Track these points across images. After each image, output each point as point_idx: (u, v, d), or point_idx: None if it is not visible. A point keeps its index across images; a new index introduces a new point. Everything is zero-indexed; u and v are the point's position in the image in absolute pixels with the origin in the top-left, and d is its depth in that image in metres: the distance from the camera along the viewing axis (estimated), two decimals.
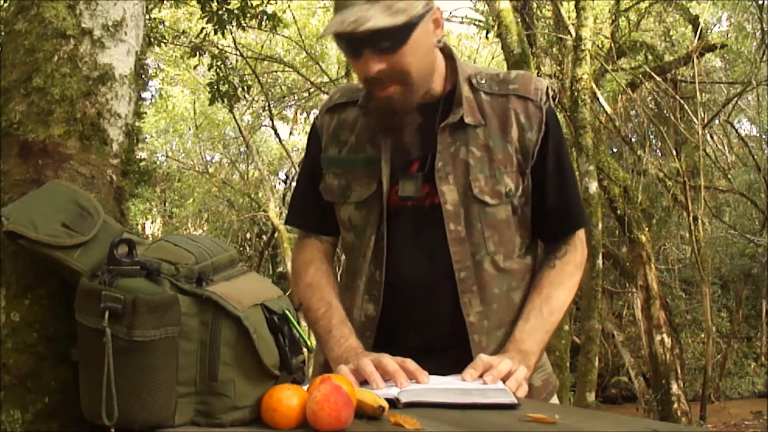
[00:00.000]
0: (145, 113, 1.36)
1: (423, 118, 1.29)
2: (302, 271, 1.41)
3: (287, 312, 0.99)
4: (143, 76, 1.23)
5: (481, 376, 1.15)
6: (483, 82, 1.33)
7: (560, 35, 6.87)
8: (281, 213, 10.97)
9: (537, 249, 1.41)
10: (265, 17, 5.55)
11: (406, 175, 1.31)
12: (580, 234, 1.39)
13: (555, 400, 1.42)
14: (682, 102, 7.57)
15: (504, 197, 1.30)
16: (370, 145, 1.35)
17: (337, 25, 1.17)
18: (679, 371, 5.89)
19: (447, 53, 1.34)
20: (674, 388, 5.76)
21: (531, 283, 1.36)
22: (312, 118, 12.01)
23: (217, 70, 6.14)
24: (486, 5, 6.51)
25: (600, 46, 7.39)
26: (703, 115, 7.54)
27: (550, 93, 1.35)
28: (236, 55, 8.23)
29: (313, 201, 1.43)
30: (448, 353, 1.28)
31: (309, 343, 1.07)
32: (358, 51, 1.21)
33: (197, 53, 6.36)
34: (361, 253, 1.35)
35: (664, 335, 5.88)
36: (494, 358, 1.20)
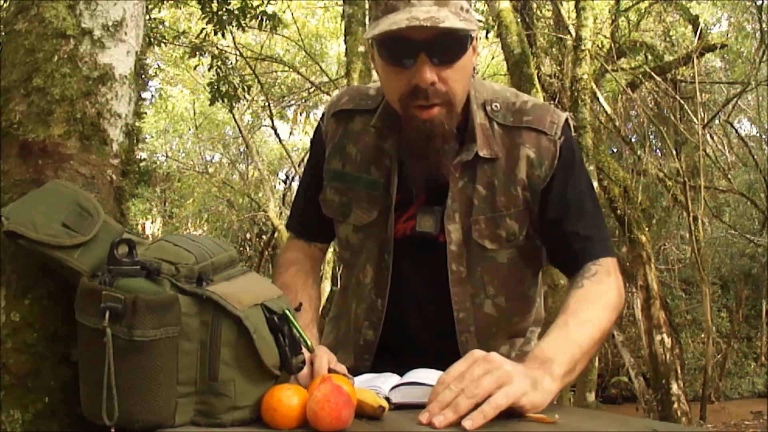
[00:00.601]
0: (145, 113, 1.36)
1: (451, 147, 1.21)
2: (282, 270, 1.41)
3: (287, 312, 0.99)
4: (143, 76, 1.23)
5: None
6: (498, 110, 1.25)
7: (560, 35, 6.87)
8: (281, 213, 10.97)
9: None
10: (265, 17, 5.55)
11: (426, 209, 1.26)
12: (612, 262, 1.24)
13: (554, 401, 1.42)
14: (682, 102, 7.57)
15: (504, 242, 1.25)
16: (375, 167, 1.30)
17: (406, 21, 1.05)
18: (679, 371, 5.88)
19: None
20: (674, 388, 5.75)
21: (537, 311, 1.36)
22: (312, 118, 12.03)
23: (217, 70, 6.15)
24: (486, 5, 6.50)
25: (600, 46, 7.38)
26: (703, 115, 7.54)
27: (571, 124, 1.28)
28: (236, 55, 8.23)
29: (310, 208, 1.41)
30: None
31: (309, 343, 1.07)
32: (412, 55, 1.10)
33: (197, 53, 6.36)
34: (357, 274, 1.35)
35: (664, 335, 5.88)
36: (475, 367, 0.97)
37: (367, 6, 4.69)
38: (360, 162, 1.32)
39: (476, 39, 1.19)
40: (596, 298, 1.16)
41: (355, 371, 1.32)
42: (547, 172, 1.23)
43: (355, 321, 1.37)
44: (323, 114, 1.41)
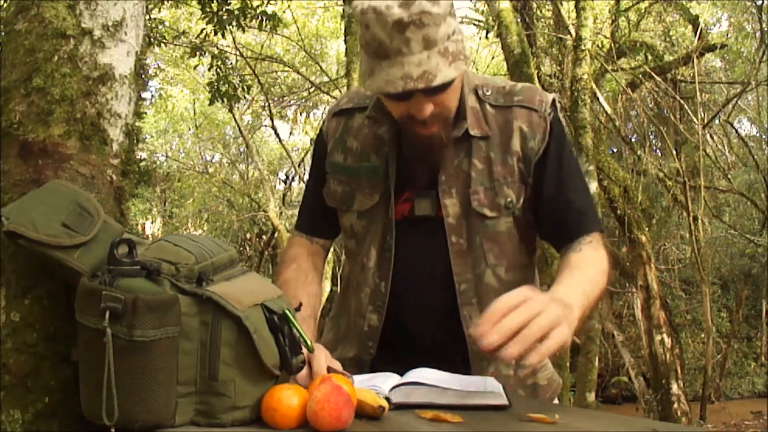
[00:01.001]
0: (145, 113, 1.36)
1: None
2: (284, 266, 1.43)
3: (287, 312, 0.99)
4: (143, 76, 1.23)
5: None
6: (489, 93, 1.32)
7: (560, 35, 6.87)
8: (281, 213, 10.97)
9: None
10: (265, 17, 5.55)
11: (422, 192, 1.31)
12: (601, 236, 1.31)
13: (555, 400, 1.42)
14: (682, 102, 7.57)
15: (503, 209, 1.29)
16: (374, 154, 1.35)
17: (402, 81, 1.12)
18: (679, 371, 5.89)
19: None
20: (674, 388, 5.75)
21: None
22: (312, 118, 12.02)
23: (217, 70, 6.14)
24: (486, 5, 6.50)
25: (600, 46, 7.38)
26: (703, 115, 7.53)
27: (558, 105, 1.34)
28: (236, 55, 8.23)
29: (314, 205, 1.45)
30: (448, 357, 1.30)
31: (309, 343, 1.07)
32: (408, 95, 1.17)
33: (197, 53, 6.36)
34: (361, 261, 1.36)
35: (664, 335, 5.88)
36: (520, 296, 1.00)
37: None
38: (360, 153, 1.36)
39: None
40: (595, 262, 1.25)
41: (358, 361, 1.34)
42: (540, 145, 1.29)
43: (358, 308, 1.37)
44: (325, 117, 1.47)
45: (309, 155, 11.58)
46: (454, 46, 1.16)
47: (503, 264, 1.31)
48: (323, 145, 1.43)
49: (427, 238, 1.31)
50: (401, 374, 1.20)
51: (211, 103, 6.50)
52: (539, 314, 0.96)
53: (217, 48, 6.70)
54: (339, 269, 9.24)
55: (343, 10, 5.18)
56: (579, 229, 1.29)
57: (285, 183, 13.42)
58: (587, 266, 1.23)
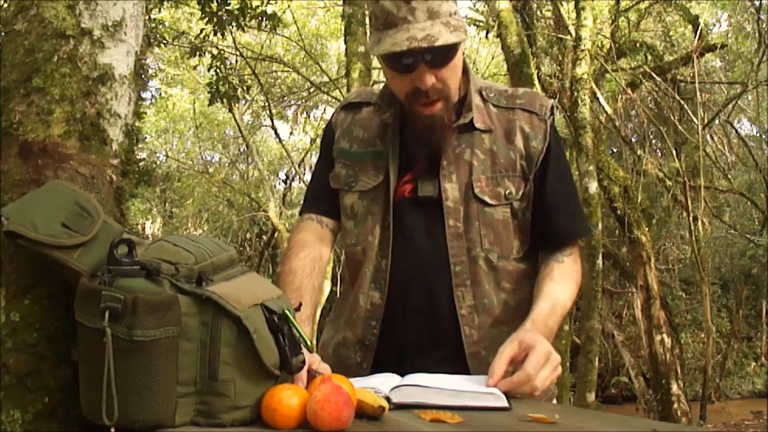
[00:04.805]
0: (145, 113, 1.37)
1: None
2: (293, 252, 1.44)
3: (287, 312, 0.99)
4: (143, 76, 1.23)
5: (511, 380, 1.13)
6: (492, 95, 1.41)
7: (560, 35, 6.87)
8: (281, 213, 10.95)
9: (535, 257, 1.43)
10: (265, 17, 5.54)
11: (425, 176, 1.37)
12: (578, 245, 1.44)
13: (554, 400, 1.43)
14: (682, 102, 7.57)
15: (503, 199, 1.36)
16: (379, 140, 1.42)
17: (407, 42, 1.21)
18: (679, 371, 5.89)
19: (462, 66, 1.41)
20: (674, 388, 5.76)
21: (531, 286, 1.37)
22: (312, 118, 12.02)
23: (217, 70, 6.13)
24: (486, 5, 6.50)
25: (600, 46, 7.38)
26: (703, 115, 7.53)
27: (555, 111, 1.42)
28: (236, 55, 8.23)
29: (322, 186, 1.49)
30: (446, 345, 1.33)
31: (309, 343, 1.07)
32: (414, 64, 1.25)
33: (197, 53, 6.34)
34: (360, 241, 1.40)
35: (664, 335, 5.88)
36: (529, 342, 1.16)
37: (366, 6, 4.69)
38: (366, 140, 1.44)
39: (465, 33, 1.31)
40: (574, 277, 1.38)
41: (362, 342, 1.36)
42: (542, 145, 1.37)
43: (360, 286, 1.39)
44: (334, 110, 1.56)
45: (309, 155, 11.59)
46: (456, 21, 1.26)
47: (496, 251, 1.36)
48: (331, 134, 1.51)
49: (427, 219, 1.36)
50: (402, 374, 1.20)
51: (211, 103, 6.49)
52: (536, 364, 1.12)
53: (217, 48, 6.69)
54: (339, 269, 9.24)
55: (343, 11, 5.17)
56: (570, 235, 1.40)
57: (285, 183, 13.41)
58: (567, 285, 1.35)
